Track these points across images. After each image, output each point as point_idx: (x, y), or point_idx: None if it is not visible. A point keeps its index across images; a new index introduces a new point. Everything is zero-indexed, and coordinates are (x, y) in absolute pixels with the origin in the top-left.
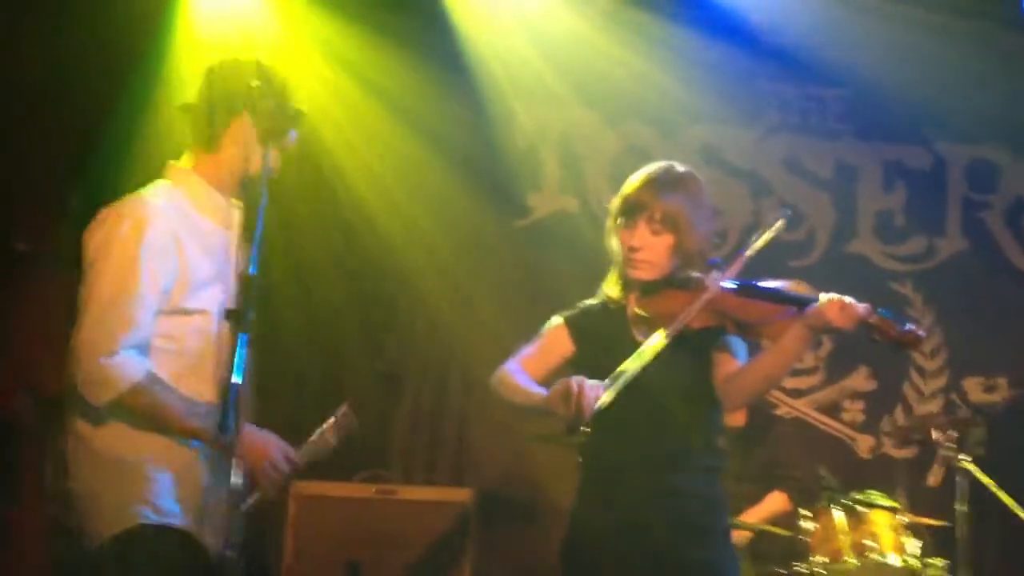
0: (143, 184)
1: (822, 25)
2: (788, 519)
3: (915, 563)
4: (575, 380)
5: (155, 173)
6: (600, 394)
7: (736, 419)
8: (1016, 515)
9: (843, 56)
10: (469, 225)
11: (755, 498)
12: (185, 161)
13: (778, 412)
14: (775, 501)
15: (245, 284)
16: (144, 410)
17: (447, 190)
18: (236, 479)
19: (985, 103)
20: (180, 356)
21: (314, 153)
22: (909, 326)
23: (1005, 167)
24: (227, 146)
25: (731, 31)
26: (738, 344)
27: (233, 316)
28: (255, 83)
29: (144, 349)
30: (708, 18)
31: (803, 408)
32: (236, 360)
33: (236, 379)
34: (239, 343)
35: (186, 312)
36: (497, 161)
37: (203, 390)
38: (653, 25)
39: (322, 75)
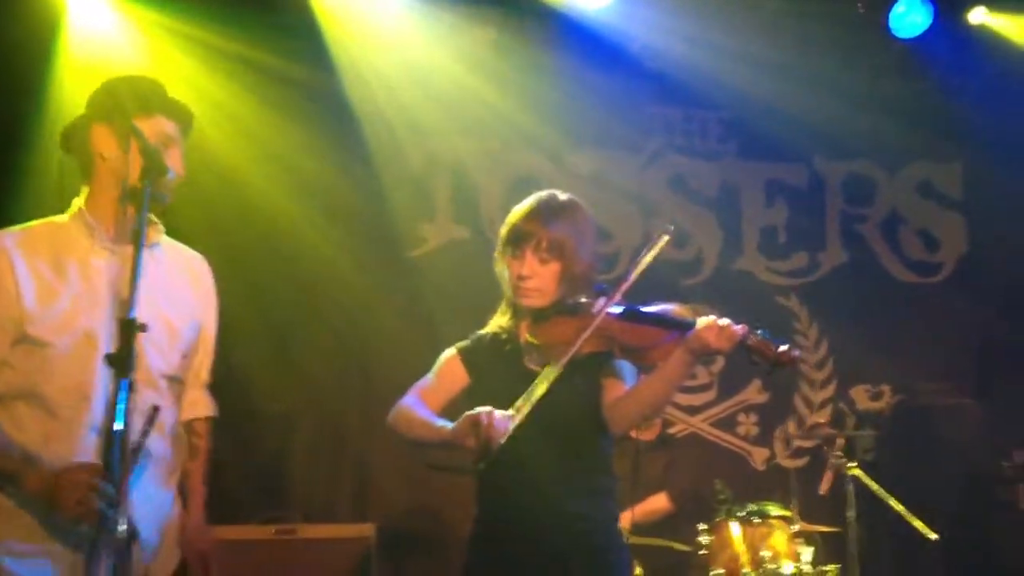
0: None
1: (702, 50)
2: (673, 522)
3: (809, 570)
4: (484, 411)
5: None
6: (508, 424)
7: (647, 434)
8: (905, 517)
9: (723, 79)
10: (361, 257)
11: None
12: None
13: (673, 430)
14: (658, 500)
15: (125, 328)
16: None
17: (337, 224)
18: (121, 526)
19: (857, 120)
20: (21, 384)
21: (195, 190)
22: (785, 346)
23: (879, 181)
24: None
25: (614, 58)
26: (626, 368)
27: (113, 360)
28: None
29: None
30: (591, 47)
31: (699, 424)
32: (118, 406)
33: (118, 425)
34: (120, 388)
35: (28, 341)
36: (388, 193)
37: (34, 421)
38: (537, 55)
39: (204, 113)
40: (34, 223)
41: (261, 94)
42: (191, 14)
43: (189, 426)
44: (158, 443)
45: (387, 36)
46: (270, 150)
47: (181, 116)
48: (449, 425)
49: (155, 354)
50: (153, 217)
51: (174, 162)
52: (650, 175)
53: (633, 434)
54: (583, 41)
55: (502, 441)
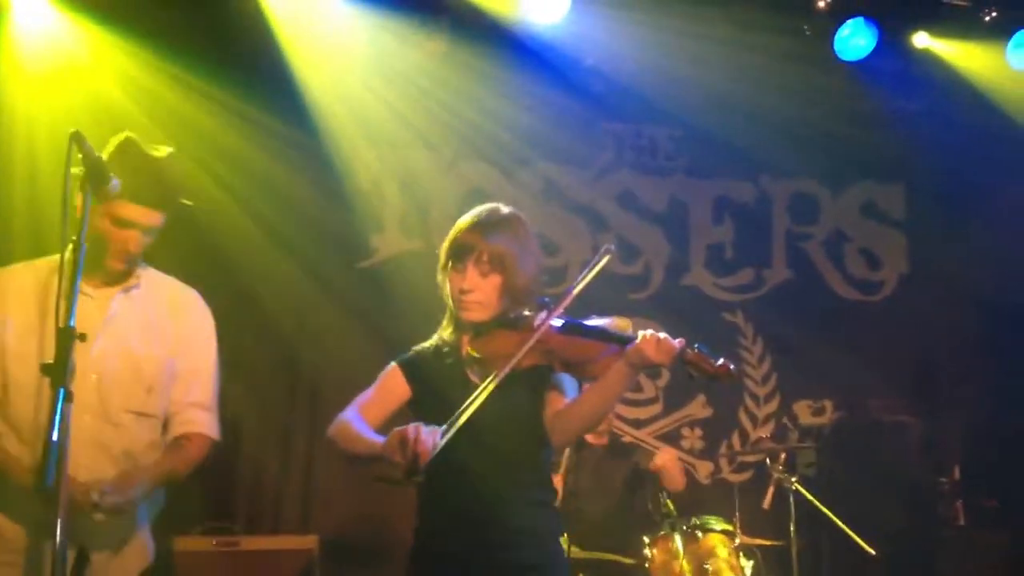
0: None
1: (654, 69)
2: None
3: None
4: (411, 427)
5: None
6: (437, 440)
7: (600, 440)
8: (844, 532)
9: (674, 97)
10: (311, 268)
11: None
12: None
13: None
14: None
15: (62, 337)
16: None
17: (287, 233)
18: (60, 535)
19: (804, 140)
20: (10, 417)
21: None
22: (722, 360)
23: (823, 200)
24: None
25: (566, 74)
26: (567, 381)
27: (49, 370)
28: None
29: None
30: (545, 61)
31: (644, 437)
32: (55, 416)
33: (54, 435)
34: (57, 398)
35: (11, 378)
36: (339, 203)
37: (13, 445)
38: (489, 68)
39: (156, 120)
40: (39, 261)
41: (208, 102)
42: (142, 27)
43: (184, 435)
44: (105, 467)
45: (338, 48)
46: (219, 161)
47: (158, 205)
48: (380, 440)
49: (117, 392)
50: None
51: (132, 243)
52: (600, 190)
53: (590, 439)
54: (535, 56)
55: (430, 456)
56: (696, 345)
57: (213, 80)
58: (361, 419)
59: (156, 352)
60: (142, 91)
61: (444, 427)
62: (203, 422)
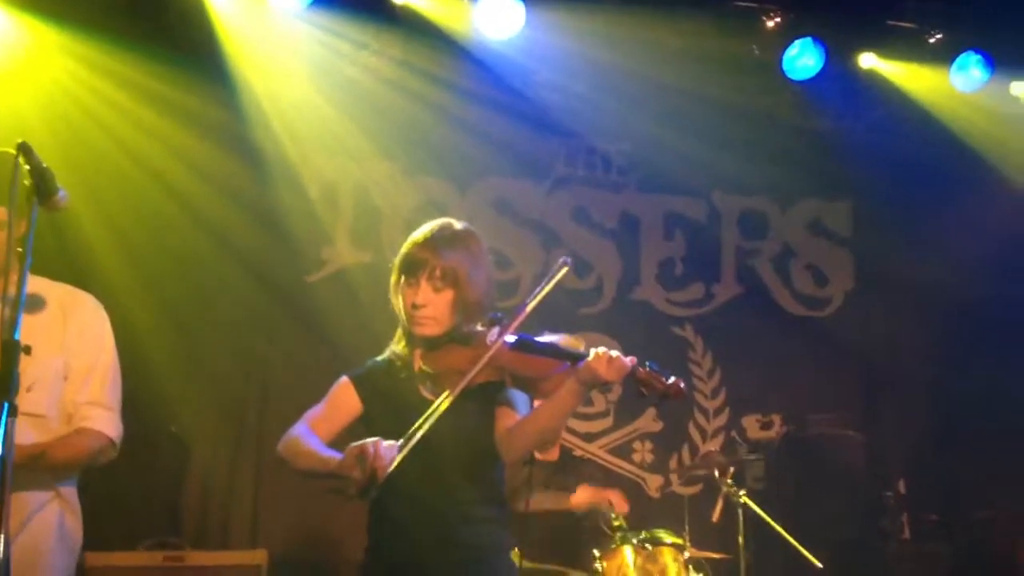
0: None
1: (606, 85)
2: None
3: None
4: (370, 442)
5: None
6: (394, 455)
7: (551, 454)
8: (792, 545)
9: (626, 114)
10: (259, 282)
11: None
12: None
13: (576, 454)
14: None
15: (6, 350)
16: None
17: (234, 246)
18: (4, 549)
19: (754, 157)
20: None
21: (93, 207)
22: (673, 379)
23: (772, 217)
24: None
25: (521, 89)
26: (519, 397)
27: None
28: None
29: None
30: (499, 76)
31: (596, 451)
32: None
33: None
34: (1, 412)
35: None
36: (288, 215)
37: None
38: (444, 82)
39: (103, 126)
40: None
41: (158, 119)
42: (89, 37)
43: (76, 430)
44: None
45: (289, 59)
46: (168, 165)
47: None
48: (336, 456)
49: None
50: None
51: None
52: (553, 204)
53: (537, 455)
54: (489, 70)
55: (388, 472)
56: (648, 363)
57: (163, 84)
58: (312, 434)
59: (38, 351)
60: (90, 94)
61: (400, 443)
62: (97, 418)
